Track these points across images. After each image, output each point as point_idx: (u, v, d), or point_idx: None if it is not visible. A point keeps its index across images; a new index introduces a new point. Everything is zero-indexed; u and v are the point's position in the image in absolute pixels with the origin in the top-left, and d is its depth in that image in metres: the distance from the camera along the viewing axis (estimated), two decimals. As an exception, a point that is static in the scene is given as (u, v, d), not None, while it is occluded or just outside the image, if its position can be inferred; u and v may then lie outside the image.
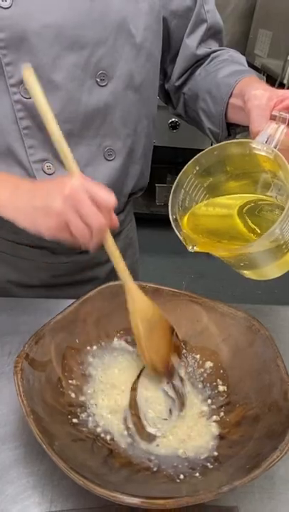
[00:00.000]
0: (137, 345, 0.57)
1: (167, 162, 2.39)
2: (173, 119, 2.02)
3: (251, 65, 1.99)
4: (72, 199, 0.47)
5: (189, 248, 0.52)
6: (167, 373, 0.57)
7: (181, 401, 0.54)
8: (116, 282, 0.61)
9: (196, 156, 0.54)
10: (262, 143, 0.50)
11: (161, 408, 0.54)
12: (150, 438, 0.50)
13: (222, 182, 0.56)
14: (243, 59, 0.73)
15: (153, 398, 0.55)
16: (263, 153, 0.50)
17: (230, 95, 0.64)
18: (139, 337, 0.56)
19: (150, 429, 0.51)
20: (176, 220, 0.53)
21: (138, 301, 0.56)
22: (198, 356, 0.59)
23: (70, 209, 0.48)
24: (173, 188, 0.54)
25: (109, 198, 0.48)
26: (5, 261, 0.73)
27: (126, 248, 0.85)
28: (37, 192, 0.51)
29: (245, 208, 0.55)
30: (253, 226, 0.53)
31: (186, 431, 0.51)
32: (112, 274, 0.82)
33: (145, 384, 0.56)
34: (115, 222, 0.52)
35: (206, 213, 0.56)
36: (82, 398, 0.52)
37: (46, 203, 0.49)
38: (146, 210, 2.36)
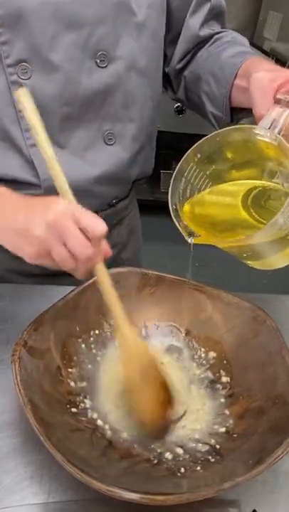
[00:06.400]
0: (127, 399, 0.50)
1: (172, 148, 2.34)
2: (179, 104, 1.98)
3: (260, 49, 1.94)
4: (55, 225, 0.43)
5: (189, 240, 0.50)
6: (160, 434, 0.49)
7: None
8: (117, 270, 0.59)
9: (197, 143, 0.52)
10: (265, 128, 0.47)
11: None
12: None
13: (225, 170, 0.54)
14: (246, 41, 0.70)
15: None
16: (267, 140, 0.47)
17: (235, 76, 0.61)
18: (133, 389, 0.50)
19: None
20: (175, 210, 0.51)
21: (133, 347, 0.50)
22: (201, 346, 0.58)
23: (52, 236, 0.43)
24: (173, 176, 0.52)
25: (99, 226, 0.43)
26: (5, 249, 0.71)
27: (129, 235, 0.83)
28: (20, 213, 0.46)
29: (251, 195, 0.53)
30: (257, 216, 0.52)
31: (187, 420, 0.50)
32: (115, 262, 0.81)
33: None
34: (107, 251, 0.47)
35: (209, 201, 0.55)
36: (82, 385, 0.51)
37: (27, 227, 0.44)
38: (150, 197, 2.33)
